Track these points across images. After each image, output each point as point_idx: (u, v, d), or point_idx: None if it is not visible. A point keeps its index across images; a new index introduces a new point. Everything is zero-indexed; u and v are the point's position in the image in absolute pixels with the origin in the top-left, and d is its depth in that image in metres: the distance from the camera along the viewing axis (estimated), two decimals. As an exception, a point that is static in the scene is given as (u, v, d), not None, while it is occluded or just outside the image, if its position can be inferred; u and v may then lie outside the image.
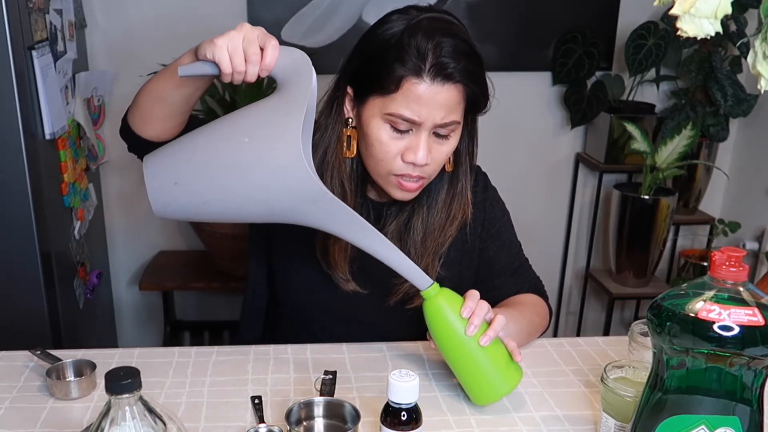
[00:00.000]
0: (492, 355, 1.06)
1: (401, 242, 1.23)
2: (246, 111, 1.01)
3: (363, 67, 1.14)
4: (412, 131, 1.11)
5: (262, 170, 0.95)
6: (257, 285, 1.38)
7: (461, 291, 1.26)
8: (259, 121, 0.98)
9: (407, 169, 1.13)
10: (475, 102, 1.14)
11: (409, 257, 1.08)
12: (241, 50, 0.96)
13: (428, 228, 1.23)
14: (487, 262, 1.34)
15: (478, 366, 1.06)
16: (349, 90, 1.16)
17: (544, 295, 1.37)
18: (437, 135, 1.13)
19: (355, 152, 1.19)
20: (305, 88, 0.96)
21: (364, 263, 1.20)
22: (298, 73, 0.98)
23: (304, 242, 1.25)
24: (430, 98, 1.08)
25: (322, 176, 1.19)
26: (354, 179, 1.21)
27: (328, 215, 0.99)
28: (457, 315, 1.05)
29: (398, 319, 1.28)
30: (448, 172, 1.23)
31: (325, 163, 1.19)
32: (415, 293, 1.10)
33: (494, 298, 1.33)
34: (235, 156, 0.96)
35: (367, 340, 1.28)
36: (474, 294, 1.08)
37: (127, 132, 1.16)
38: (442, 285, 1.14)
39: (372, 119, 1.12)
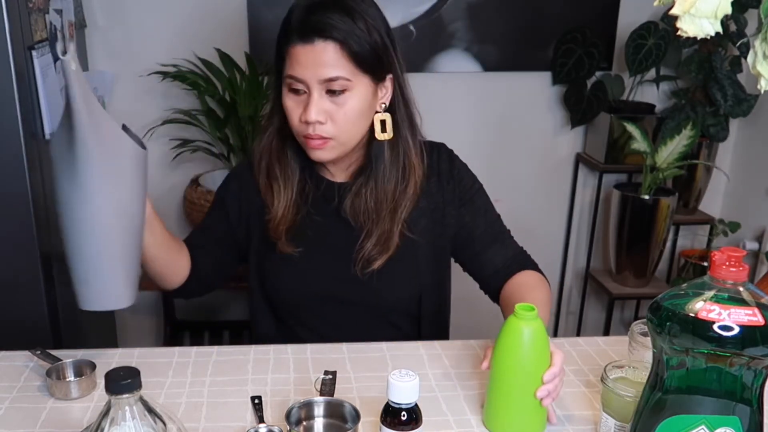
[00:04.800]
0: (535, 406, 1.01)
1: (360, 216, 1.29)
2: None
3: (275, 50, 1.24)
4: (307, 93, 1.19)
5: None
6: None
7: (437, 259, 1.35)
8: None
9: (308, 129, 1.20)
10: (362, 56, 1.18)
11: (366, 228, 1.24)
12: None
13: (378, 196, 1.28)
14: (466, 229, 1.36)
15: (517, 406, 1.02)
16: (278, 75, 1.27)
17: (535, 266, 1.38)
18: (332, 93, 1.18)
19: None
20: None
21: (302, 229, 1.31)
22: None
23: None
24: (307, 58, 1.16)
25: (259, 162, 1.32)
26: (294, 152, 1.30)
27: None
28: (537, 351, 1.00)
29: (366, 289, 1.31)
30: (389, 140, 1.27)
31: (272, 150, 1.30)
32: (374, 257, 1.26)
33: (480, 264, 1.37)
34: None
35: (351, 319, 1.32)
36: (561, 359, 1.03)
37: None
38: (417, 253, 1.23)
39: (283, 88, 1.23)
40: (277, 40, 1.22)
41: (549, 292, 1.32)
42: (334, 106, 1.19)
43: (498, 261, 1.35)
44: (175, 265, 1.28)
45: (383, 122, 1.25)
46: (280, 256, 1.31)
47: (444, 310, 1.43)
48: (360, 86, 1.19)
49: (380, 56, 1.21)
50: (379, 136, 1.25)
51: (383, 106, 1.25)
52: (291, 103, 1.21)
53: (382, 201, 1.28)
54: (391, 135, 1.26)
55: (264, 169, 1.32)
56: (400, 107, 1.27)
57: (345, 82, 1.18)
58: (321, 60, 1.16)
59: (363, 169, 1.29)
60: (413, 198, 1.30)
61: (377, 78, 1.22)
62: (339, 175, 1.33)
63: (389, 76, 1.24)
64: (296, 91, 1.20)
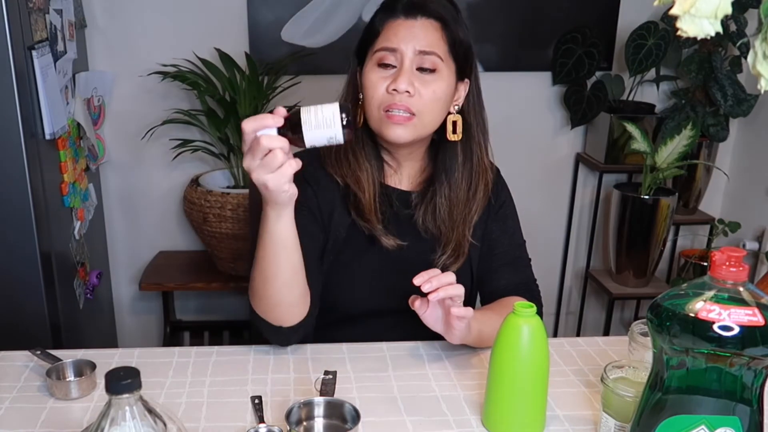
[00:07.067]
0: (534, 405, 1.02)
1: (434, 222, 1.29)
2: None
3: (362, 36, 1.27)
4: (397, 67, 1.20)
5: None
6: None
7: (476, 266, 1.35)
8: None
9: (392, 98, 1.19)
10: (455, 41, 1.22)
11: (441, 234, 1.22)
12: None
13: (452, 201, 1.29)
14: (489, 244, 1.36)
15: (517, 405, 1.02)
16: (358, 65, 1.26)
17: (536, 297, 1.36)
18: (421, 70, 1.20)
19: (362, 122, 1.26)
20: None
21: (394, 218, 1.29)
22: None
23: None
24: (406, 30, 1.20)
25: (339, 160, 1.28)
26: (369, 152, 1.28)
27: None
28: (536, 348, 1.00)
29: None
30: (460, 143, 1.28)
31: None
32: (449, 265, 1.25)
33: (489, 281, 1.36)
34: None
35: (393, 327, 1.29)
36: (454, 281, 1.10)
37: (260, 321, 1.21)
38: (471, 258, 1.23)
39: (366, 67, 1.23)
40: (370, 21, 1.25)
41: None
42: (422, 84, 1.20)
43: (502, 283, 1.34)
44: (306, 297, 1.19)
45: (455, 123, 1.26)
46: (354, 268, 1.28)
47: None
48: (446, 72, 1.22)
49: (466, 53, 1.24)
50: (450, 136, 1.26)
51: (456, 107, 1.27)
52: (376, 76, 1.21)
53: (455, 207, 1.29)
54: (461, 136, 1.27)
55: (345, 162, 1.27)
56: (474, 110, 1.29)
57: (437, 59, 1.20)
58: (420, 34, 1.20)
59: (433, 177, 1.30)
60: (484, 200, 1.32)
61: (459, 73, 1.25)
62: (406, 183, 1.32)
63: (466, 80, 1.27)
64: (385, 66, 1.20)
